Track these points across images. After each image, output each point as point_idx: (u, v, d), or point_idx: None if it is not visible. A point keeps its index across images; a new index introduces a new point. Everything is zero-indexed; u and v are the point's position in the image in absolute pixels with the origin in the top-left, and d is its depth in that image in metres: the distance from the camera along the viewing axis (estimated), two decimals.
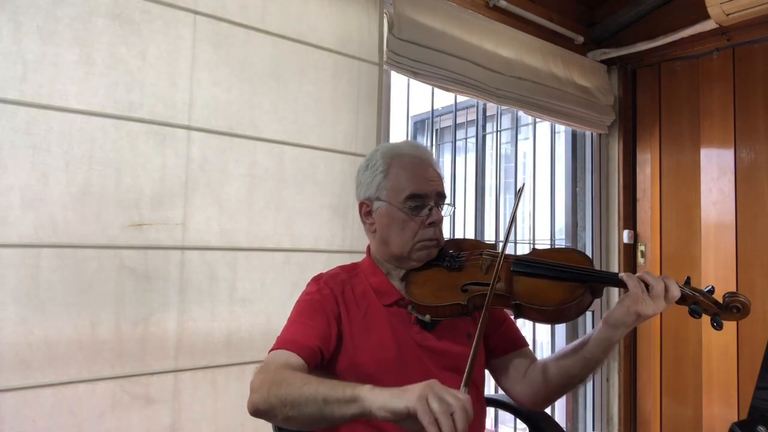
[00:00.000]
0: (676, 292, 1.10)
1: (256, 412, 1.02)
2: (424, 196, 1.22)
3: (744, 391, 2.52)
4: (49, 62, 1.38)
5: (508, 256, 1.20)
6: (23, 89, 1.34)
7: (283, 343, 1.13)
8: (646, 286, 1.10)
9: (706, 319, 1.13)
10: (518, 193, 1.32)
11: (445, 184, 1.29)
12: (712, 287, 1.14)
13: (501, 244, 1.21)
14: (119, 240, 1.46)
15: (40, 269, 1.35)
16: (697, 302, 1.12)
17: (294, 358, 1.09)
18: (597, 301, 2.89)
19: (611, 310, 1.13)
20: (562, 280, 1.17)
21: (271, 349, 1.14)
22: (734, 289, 2.54)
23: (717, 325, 1.11)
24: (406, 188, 1.22)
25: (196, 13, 1.61)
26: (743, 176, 2.61)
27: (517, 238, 2.86)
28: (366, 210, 1.28)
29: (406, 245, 1.22)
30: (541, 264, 1.20)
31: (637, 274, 1.12)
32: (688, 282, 1.15)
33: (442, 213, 1.26)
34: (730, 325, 2.65)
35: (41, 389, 1.34)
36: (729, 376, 2.58)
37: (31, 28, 1.35)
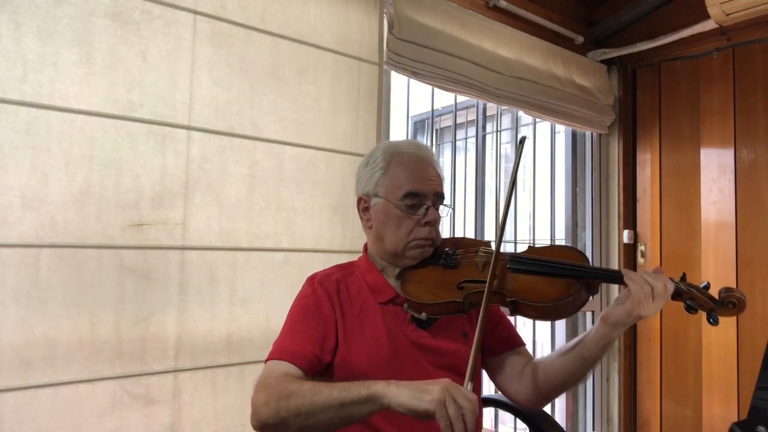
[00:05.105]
0: (670, 287, 1.10)
1: (264, 427, 1.03)
2: (422, 195, 1.22)
3: (744, 391, 2.52)
4: (49, 62, 1.38)
5: (503, 254, 1.20)
6: (23, 89, 1.34)
7: (279, 353, 1.13)
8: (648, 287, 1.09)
9: (705, 317, 1.13)
10: (520, 145, 1.27)
11: (445, 185, 1.29)
12: (708, 283, 1.14)
13: (498, 237, 1.20)
14: (119, 240, 1.46)
15: (40, 269, 1.35)
16: (692, 298, 1.12)
17: (292, 369, 1.09)
18: (597, 299, 2.90)
19: (610, 309, 1.12)
20: (557, 277, 1.16)
21: (268, 358, 1.14)
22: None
23: (713, 321, 1.11)
24: (404, 186, 1.22)
25: (196, 13, 1.61)
26: (743, 176, 2.61)
27: (517, 238, 2.86)
28: (364, 206, 1.29)
29: (401, 243, 1.23)
30: (536, 261, 1.20)
31: (637, 273, 1.12)
32: (684, 278, 1.15)
33: (440, 214, 1.26)
34: (730, 325, 2.66)
35: (41, 389, 1.34)
36: (729, 376, 2.58)
37: (31, 28, 1.35)
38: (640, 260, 2.97)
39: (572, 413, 2.93)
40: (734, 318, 2.51)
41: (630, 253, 3.00)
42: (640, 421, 2.92)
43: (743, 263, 2.58)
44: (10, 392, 1.30)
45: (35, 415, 1.33)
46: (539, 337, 3.00)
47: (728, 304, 1.11)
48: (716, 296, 1.12)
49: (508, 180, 1.28)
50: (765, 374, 1.09)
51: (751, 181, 2.59)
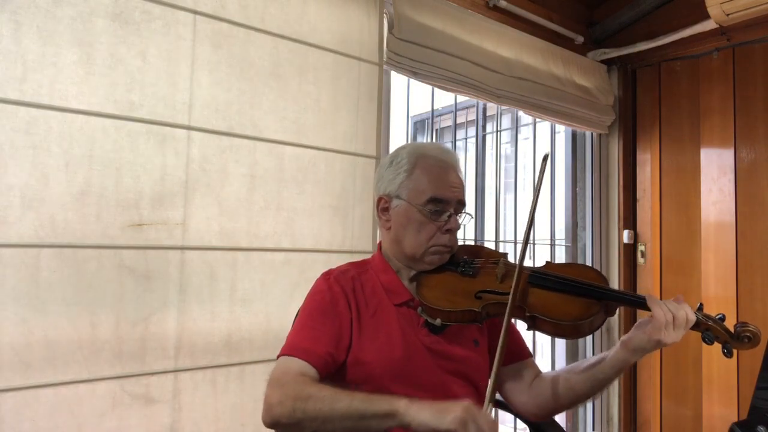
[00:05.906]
0: (692, 317, 1.11)
1: (276, 425, 1.02)
2: (445, 202, 1.22)
3: (744, 391, 2.52)
4: (49, 62, 1.38)
5: (524, 268, 1.19)
6: (23, 89, 1.34)
7: (294, 349, 1.12)
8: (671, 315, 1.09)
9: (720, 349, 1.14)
10: (543, 162, 1.24)
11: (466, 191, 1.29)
12: (723, 315, 1.15)
13: (521, 250, 1.19)
14: (119, 240, 1.46)
15: (40, 269, 1.35)
16: (709, 329, 1.12)
17: (307, 368, 1.08)
18: None
19: (631, 334, 1.12)
20: (578, 296, 1.16)
21: (281, 353, 1.13)
22: (734, 291, 2.55)
23: (728, 353, 1.12)
24: (427, 191, 1.21)
25: (196, 13, 1.61)
26: (743, 176, 2.61)
27: (518, 238, 2.86)
28: (383, 206, 1.28)
29: (420, 247, 1.22)
30: (560, 278, 1.19)
31: (660, 300, 1.11)
32: (700, 308, 1.15)
33: (460, 221, 1.26)
34: (729, 326, 2.65)
35: (41, 389, 1.34)
36: (729, 376, 2.58)
37: (31, 28, 1.35)
38: (640, 260, 2.97)
39: (572, 413, 2.93)
40: (734, 319, 2.52)
41: (630, 253, 3.00)
42: (640, 421, 2.92)
43: (743, 263, 2.57)
44: (10, 392, 1.30)
45: (35, 415, 1.33)
46: (539, 338, 3.00)
47: (743, 338, 1.11)
48: (731, 329, 1.13)
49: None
50: (765, 374, 1.09)
51: (751, 181, 2.59)
